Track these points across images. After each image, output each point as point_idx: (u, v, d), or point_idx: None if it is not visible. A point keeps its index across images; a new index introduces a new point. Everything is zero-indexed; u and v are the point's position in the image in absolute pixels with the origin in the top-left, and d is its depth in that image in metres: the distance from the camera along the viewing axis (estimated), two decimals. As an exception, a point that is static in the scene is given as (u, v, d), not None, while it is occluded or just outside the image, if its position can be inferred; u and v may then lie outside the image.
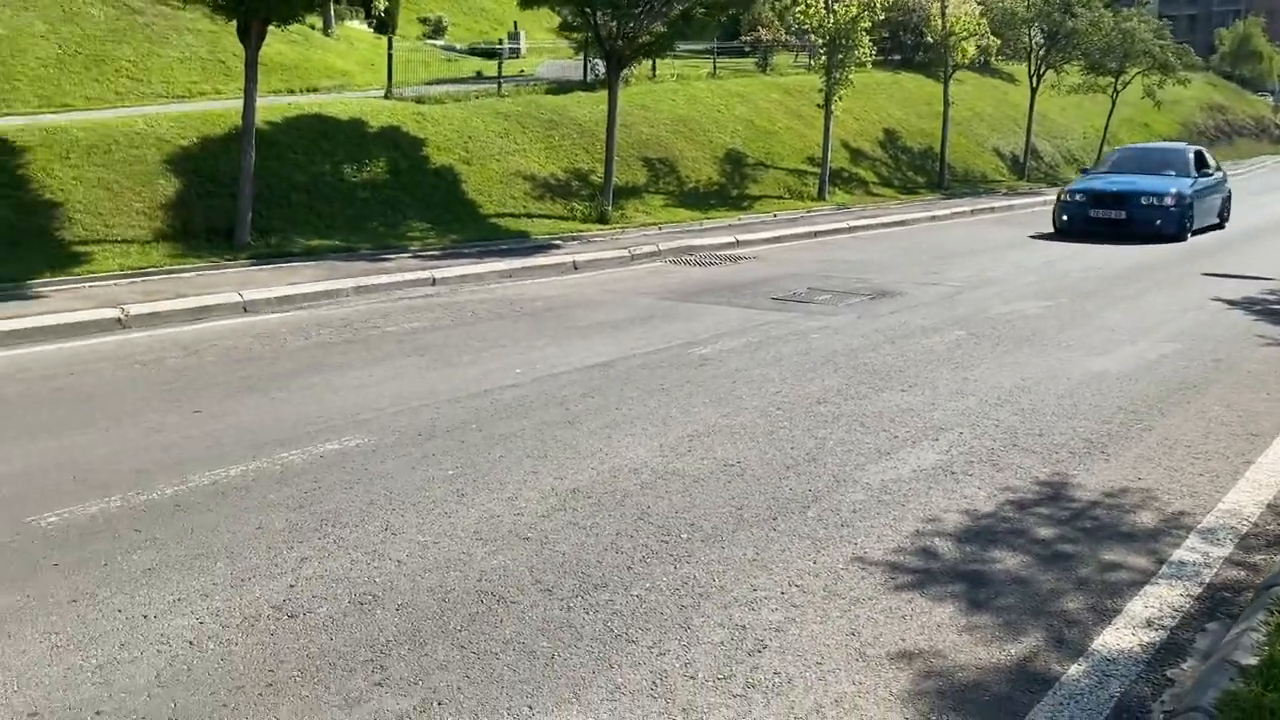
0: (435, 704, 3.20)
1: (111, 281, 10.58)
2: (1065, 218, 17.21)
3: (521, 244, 14.27)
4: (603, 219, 16.43)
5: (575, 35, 18.36)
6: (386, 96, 18.45)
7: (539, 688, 3.29)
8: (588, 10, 15.83)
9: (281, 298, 10.15)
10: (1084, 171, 20.77)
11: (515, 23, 30.64)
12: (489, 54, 26.26)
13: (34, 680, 3.32)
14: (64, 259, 11.09)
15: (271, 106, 15.61)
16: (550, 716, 3.14)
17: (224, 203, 13.00)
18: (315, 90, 19.04)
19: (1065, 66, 29.95)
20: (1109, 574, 4.18)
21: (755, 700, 3.24)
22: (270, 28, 12.77)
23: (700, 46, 28.89)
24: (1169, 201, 16.62)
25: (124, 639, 3.58)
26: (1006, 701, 3.25)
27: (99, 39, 17.28)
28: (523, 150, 17.97)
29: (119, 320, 9.03)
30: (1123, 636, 3.65)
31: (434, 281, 11.45)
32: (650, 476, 5.22)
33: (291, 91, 18.53)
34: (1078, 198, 17.30)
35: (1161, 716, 3.15)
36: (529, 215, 16.13)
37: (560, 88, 21.47)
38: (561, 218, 16.42)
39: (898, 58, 32.79)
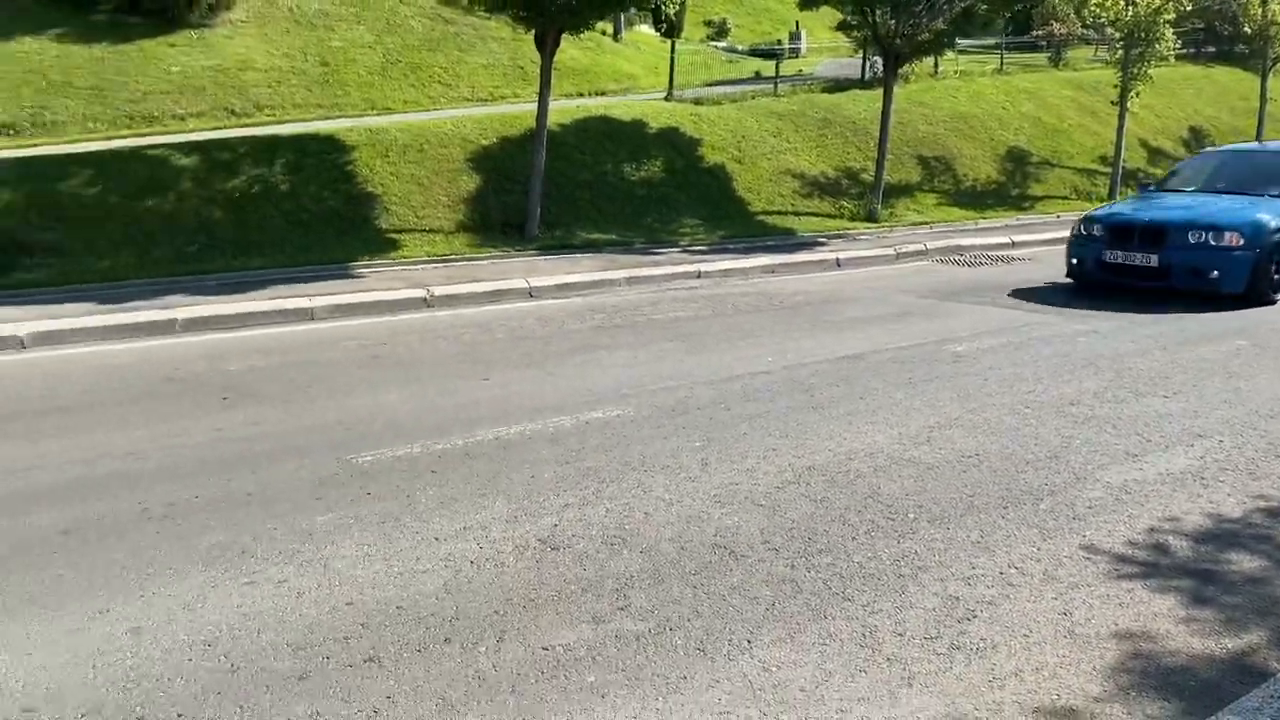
0: (668, 629, 3.68)
1: (419, 266, 11.95)
2: (1074, 261, 11.29)
3: (786, 241, 14.63)
4: (870, 217, 16.48)
5: (855, 34, 18.49)
6: (667, 99, 19.32)
7: (759, 626, 3.70)
8: (866, 9, 15.95)
9: (562, 285, 11.08)
10: (1142, 188, 13.95)
11: (797, 22, 30.90)
12: (769, 54, 26.69)
13: (350, 579, 4.10)
14: (381, 245, 12.62)
15: (562, 109, 16.82)
16: (766, 651, 3.54)
17: (517, 198, 14.22)
18: (603, 93, 20.23)
19: None
20: (1356, 586, 4.05)
21: (958, 659, 3.49)
22: (564, 36, 13.84)
23: (989, 42, 28.01)
24: (1231, 239, 10.23)
25: (419, 554, 4.31)
26: (1213, 689, 3.32)
27: (416, 48, 19.24)
28: (794, 149, 18.29)
29: (425, 300, 10.23)
30: (1355, 644, 3.59)
31: (699, 274, 12.05)
32: (885, 461, 5.48)
33: (581, 95, 19.79)
34: (1095, 230, 11.06)
35: (1379, 719, 3.12)
36: (796, 213, 16.45)
37: (836, 86, 21.59)
38: (829, 216, 16.63)
39: (1211, 50, 30.30)
